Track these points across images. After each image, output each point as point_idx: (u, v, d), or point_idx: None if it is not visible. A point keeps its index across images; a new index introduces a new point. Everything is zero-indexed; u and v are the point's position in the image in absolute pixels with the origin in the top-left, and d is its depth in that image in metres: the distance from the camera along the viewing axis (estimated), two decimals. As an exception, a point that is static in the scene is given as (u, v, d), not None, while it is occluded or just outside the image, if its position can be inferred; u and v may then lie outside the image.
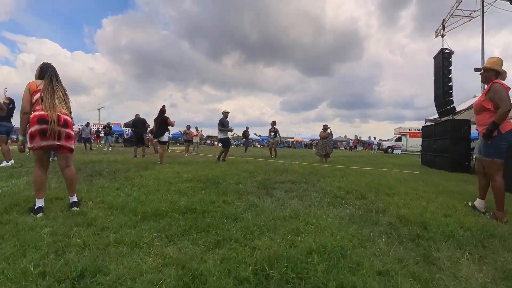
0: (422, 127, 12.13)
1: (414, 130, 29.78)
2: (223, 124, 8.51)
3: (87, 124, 16.13)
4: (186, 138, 13.51)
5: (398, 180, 5.56)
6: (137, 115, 11.12)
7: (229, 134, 8.61)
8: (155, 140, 8.53)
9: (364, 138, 58.79)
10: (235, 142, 45.43)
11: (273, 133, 11.56)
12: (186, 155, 12.67)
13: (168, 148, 15.00)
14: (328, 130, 9.72)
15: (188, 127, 13.70)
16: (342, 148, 46.28)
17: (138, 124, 10.72)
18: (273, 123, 11.87)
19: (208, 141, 48.26)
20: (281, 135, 11.66)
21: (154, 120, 8.09)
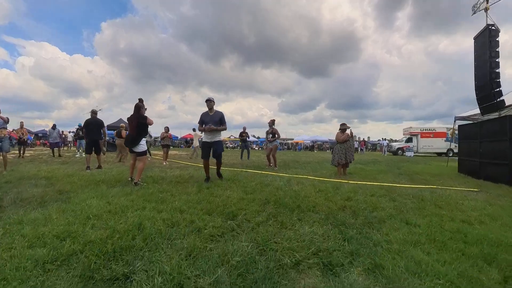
0: (459, 126, 9.74)
1: (425, 130, 27.34)
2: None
3: (54, 127, 13.55)
4: (164, 143, 10.96)
5: (506, 225, 3.13)
6: (93, 113, 8.31)
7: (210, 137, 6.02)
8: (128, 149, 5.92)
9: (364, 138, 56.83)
10: (231, 144, 42.94)
11: (271, 135, 8.91)
12: (165, 163, 10.26)
13: (149, 154, 12.47)
14: (348, 131, 7.24)
15: (167, 130, 11.16)
16: (345, 150, 44.31)
17: (90, 126, 8.04)
18: (272, 122, 9.16)
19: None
20: (280, 137, 9.00)
21: (128, 119, 5.57)
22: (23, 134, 13.34)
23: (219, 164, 5.95)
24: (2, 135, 6.68)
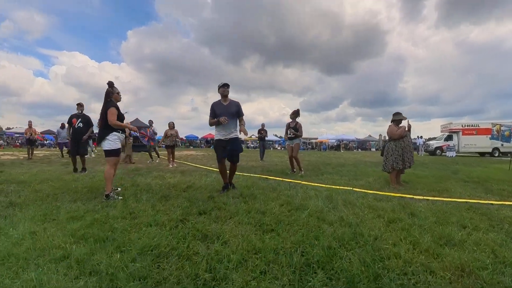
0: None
1: (467, 126, 24.02)
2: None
3: (62, 126, 12.48)
4: (168, 143, 9.18)
5: None
6: (79, 106, 6.82)
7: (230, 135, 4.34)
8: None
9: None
10: (252, 144, 41.23)
11: (292, 130, 6.78)
12: (171, 165, 8.76)
13: (154, 156, 11.05)
14: (405, 124, 5.19)
15: (172, 126, 9.39)
16: (374, 149, 40.94)
17: (70, 121, 6.76)
18: (295, 114, 6.93)
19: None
20: (302, 134, 7.05)
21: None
22: (32, 133, 12.57)
23: (234, 168, 4.48)
24: None
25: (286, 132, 6.95)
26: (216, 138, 4.42)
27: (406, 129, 5.08)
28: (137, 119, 21.57)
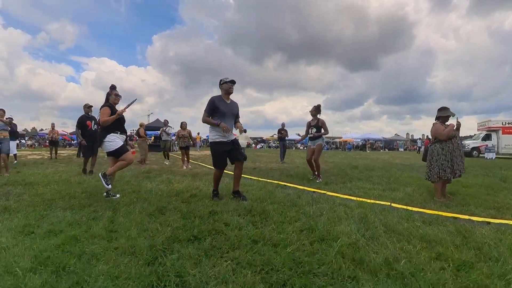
0: None
1: (509, 124, 21.63)
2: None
3: None
4: (181, 144, 8.64)
5: None
6: (88, 108, 6.79)
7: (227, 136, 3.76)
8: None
9: (417, 136, 48.97)
10: (274, 143, 40.39)
11: (315, 129, 5.83)
12: (185, 167, 8.35)
13: (167, 156, 10.37)
14: (453, 121, 4.21)
15: (184, 126, 8.96)
16: (402, 149, 38.56)
17: (85, 123, 6.75)
18: (316, 110, 5.95)
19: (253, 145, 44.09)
20: (328, 132, 6.28)
21: None
22: (53, 135, 12.85)
23: (239, 173, 3.93)
24: (2, 136, 6.58)
25: (307, 133, 6.08)
26: (216, 140, 3.77)
27: (455, 127, 4.15)
28: (157, 120, 21.61)
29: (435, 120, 4.31)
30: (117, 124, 3.92)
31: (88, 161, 6.81)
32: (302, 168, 8.32)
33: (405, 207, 3.49)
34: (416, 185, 5.14)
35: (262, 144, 41.33)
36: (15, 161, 9.94)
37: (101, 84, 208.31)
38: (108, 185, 3.69)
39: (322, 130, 5.79)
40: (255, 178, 6.09)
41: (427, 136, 23.59)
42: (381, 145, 40.22)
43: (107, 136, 3.79)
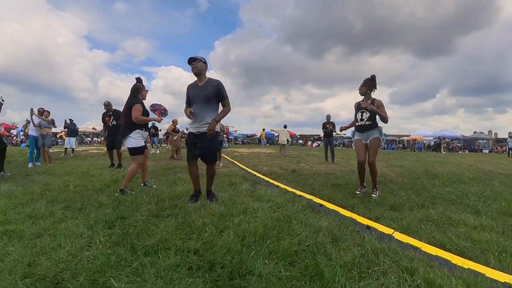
0: None
1: None
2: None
3: None
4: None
5: None
6: (106, 105, 7.02)
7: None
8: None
9: (502, 134, 38.18)
10: (318, 143, 37.13)
11: (368, 113, 3.74)
12: (221, 164, 7.82)
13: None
14: None
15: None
16: (487, 151, 31.18)
17: (104, 120, 7.21)
18: (367, 84, 3.79)
19: (301, 141, 41.89)
20: (388, 120, 3.80)
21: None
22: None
23: (210, 173, 3.34)
24: (45, 133, 7.39)
25: (356, 119, 3.97)
26: (189, 131, 3.36)
27: None
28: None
29: None
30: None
31: (112, 155, 6.99)
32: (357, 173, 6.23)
33: None
34: None
35: (319, 142, 38.42)
36: (72, 154, 11.24)
37: (168, 89, 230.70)
38: (131, 191, 3.70)
39: (381, 114, 3.64)
40: (283, 186, 4.41)
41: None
42: (459, 144, 33.14)
43: (133, 132, 3.72)
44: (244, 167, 7.40)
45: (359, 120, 3.91)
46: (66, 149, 11.61)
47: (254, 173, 6.16)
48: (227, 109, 3.24)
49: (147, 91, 4.07)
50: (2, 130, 25.39)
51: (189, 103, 3.30)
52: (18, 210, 2.86)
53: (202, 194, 3.42)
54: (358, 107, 3.95)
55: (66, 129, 11.44)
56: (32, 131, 7.35)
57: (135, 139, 3.71)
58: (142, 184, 4.20)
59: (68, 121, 11.17)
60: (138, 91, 3.89)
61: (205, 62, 3.22)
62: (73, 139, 11.38)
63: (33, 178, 5.03)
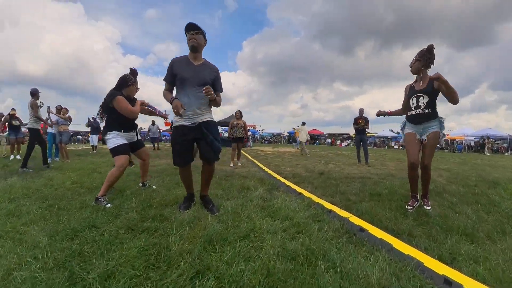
0: None
1: None
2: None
3: (153, 123, 14.28)
4: (233, 135, 6.94)
5: None
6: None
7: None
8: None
9: None
10: (348, 142, 35.13)
11: (421, 99, 2.83)
12: (231, 165, 6.79)
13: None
14: None
15: (239, 115, 7.13)
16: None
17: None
18: (422, 56, 2.79)
19: (329, 140, 40.31)
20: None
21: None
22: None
23: (210, 172, 2.63)
24: (62, 130, 7.66)
25: (407, 106, 3.05)
26: (176, 124, 2.54)
27: None
28: (231, 115, 21.04)
29: None
30: (123, 120, 3.12)
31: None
32: (398, 179, 5.25)
33: None
34: None
35: (348, 142, 36.57)
36: (94, 151, 11.60)
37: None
38: (106, 202, 2.81)
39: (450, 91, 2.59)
40: (307, 194, 3.60)
41: None
42: (505, 145, 29.41)
43: (108, 133, 3.08)
44: (264, 167, 6.66)
45: (413, 108, 2.96)
46: (93, 146, 12.15)
47: (274, 175, 5.41)
48: (220, 101, 2.67)
49: (138, 88, 3.37)
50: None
51: (172, 83, 2.55)
52: (2, 206, 2.70)
53: (197, 198, 2.88)
54: (411, 91, 3.02)
55: (89, 127, 11.57)
56: (50, 128, 7.66)
57: (110, 139, 3.05)
58: (141, 184, 3.77)
59: (91, 119, 11.19)
60: (125, 84, 3.17)
61: (205, 37, 2.56)
62: (95, 137, 11.92)
63: (42, 173, 5.03)
